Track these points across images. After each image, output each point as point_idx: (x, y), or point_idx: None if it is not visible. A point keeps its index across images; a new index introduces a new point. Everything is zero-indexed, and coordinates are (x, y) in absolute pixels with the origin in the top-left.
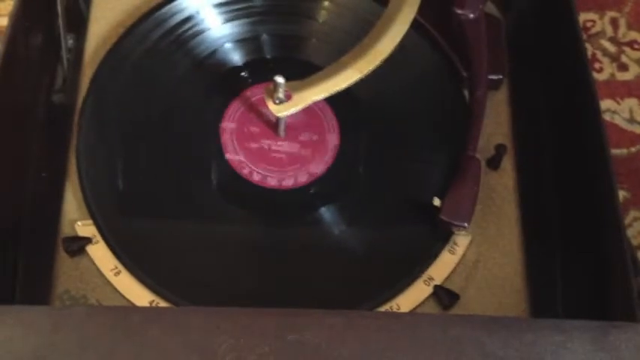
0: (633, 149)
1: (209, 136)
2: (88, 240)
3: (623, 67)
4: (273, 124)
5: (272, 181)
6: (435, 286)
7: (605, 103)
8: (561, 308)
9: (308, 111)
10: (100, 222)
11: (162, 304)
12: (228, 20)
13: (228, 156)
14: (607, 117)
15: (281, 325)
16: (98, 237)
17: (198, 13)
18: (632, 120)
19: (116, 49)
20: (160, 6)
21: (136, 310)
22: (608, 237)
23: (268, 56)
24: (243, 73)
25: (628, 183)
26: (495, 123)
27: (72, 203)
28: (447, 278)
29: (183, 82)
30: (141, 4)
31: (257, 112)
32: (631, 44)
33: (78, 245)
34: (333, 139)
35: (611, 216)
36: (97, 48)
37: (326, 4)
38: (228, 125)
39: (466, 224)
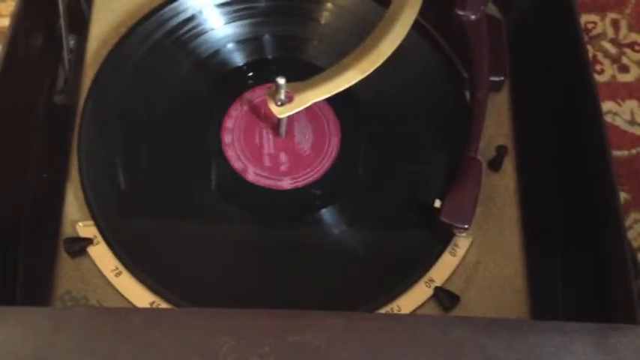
0: (634, 151)
1: (210, 137)
2: (89, 241)
3: (624, 69)
4: (274, 125)
5: (273, 182)
6: (436, 288)
7: (606, 105)
8: (562, 310)
9: (309, 111)
10: (100, 223)
11: (163, 305)
12: (229, 21)
13: (229, 156)
14: (608, 119)
15: (282, 326)
16: (99, 238)
17: (199, 13)
18: (632, 122)
19: (118, 49)
20: (161, 6)
21: (137, 312)
22: (608, 239)
23: (270, 57)
24: (244, 74)
25: (629, 185)
26: (496, 124)
27: (73, 204)
28: (448, 280)
29: (185, 82)
30: (142, 5)
31: (258, 112)
32: (632, 46)
33: (79, 246)
34: (333, 140)
35: (611, 218)
36: (98, 48)
37: (328, 5)
38: (230, 126)
39: (467, 226)
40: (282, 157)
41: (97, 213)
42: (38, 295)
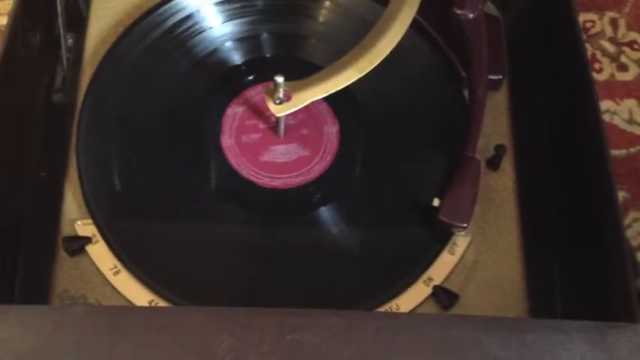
0: (632, 150)
1: (208, 136)
2: (87, 239)
3: (623, 68)
4: (272, 124)
5: (271, 181)
6: (435, 287)
7: (605, 104)
8: (560, 309)
9: (307, 110)
10: (99, 221)
11: (162, 303)
12: (227, 19)
13: (227, 155)
14: (606, 118)
15: (281, 325)
16: (98, 236)
17: (197, 12)
18: (631, 121)
19: (116, 48)
20: (159, 5)
21: (135, 310)
22: (607, 238)
23: (268, 55)
24: (242, 73)
25: (627, 184)
26: (495, 123)
27: (71, 202)
28: (447, 278)
29: (183, 81)
30: (140, 4)
31: (256, 111)
32: (630, 44)
33: (78, 245)
34: (332, 139)
35: (610, 217)
36: (96, 47)
37: (326, 3)
38: (228, 124)
39: (465, 225)
40: (281, 156)
41: (95, 211)
42: (37, 294)
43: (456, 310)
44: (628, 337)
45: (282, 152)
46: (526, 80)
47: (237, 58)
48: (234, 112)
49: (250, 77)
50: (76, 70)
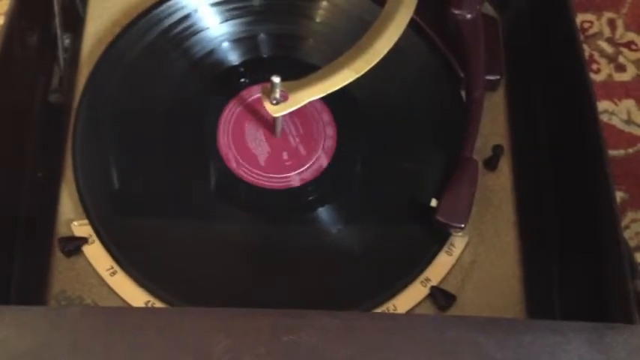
0: (631, 150)
1: (205, 136)
2: (84, 240)
3: (621, 68)
4: (269, 124)
5: (269, 181)
6: (432, 287)
7: (603, 104)
8: (558, 309)
9: (305, 111)
10: (95, 222)
11: (158, 304)
12: (225, 20)
13: (224, 156)
14: (604, 118)
15: (277, 325)
16: (94, 237)
17: (194, 12)
18: (629, 121)
19: (113, 48)
20: (156, 5)
21: (132, 311)
22: (605, 238)
23: (265, 56)
24: (240, 73)
25: (625, 184)
26: (492, 124)
27: (68, 203)
28: (444, 279)
29: (180, 81)
30: (137, 4)
31: (254, 111)
32: (628, 45)
33: (74, 245)
34: (329, 139)
35: (608, 217)
36: (93, 47)
37: (323, 4)
38: (225, 125)
39: (463, 225)
40: (278, 156)
41: (91, 212)
42: (33, 295)
43: (453, 310)
44: (626, 338)
45: (279, 152)
46: (524, 81)
47: (234, 58)
48: (232, 112)
49: (247, 78)
50: (73, 70)
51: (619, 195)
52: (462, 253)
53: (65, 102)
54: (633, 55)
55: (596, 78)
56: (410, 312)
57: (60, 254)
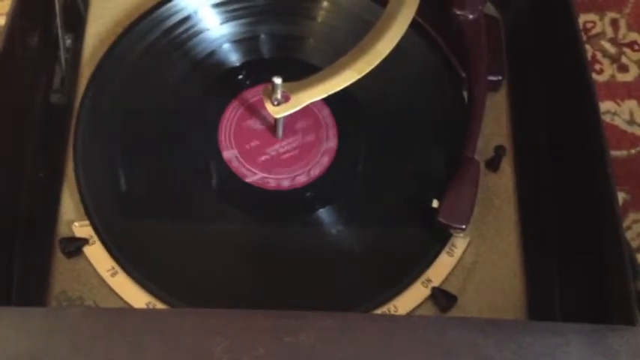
0: (633, 151)
1: (207, 137)
2: (84, 241)
3: (624, 69)
4: (271, 125)
5: (270, 182)
6: (433, 288)
7: (605, 105)
8: (559, 311)
9: (306, 112)
10: (96, 223)
11: (159, 305)
12: (226, 20)
13: (226, 157)
14: (607, 118)
15: (276, 327)
16: (95, 238)
17: (196, 13)
18: (632, 121)
19: (114, 49)
20: (157, 6)
21: (132, 312)
22: (606, 239)
23: (266, 57)
24: (241, 74)
25: (628, 185)
26: (494, 124)
27: (69, 204)
28: (445, 280)
29: (182, 82)
30: (139, 4)
31: (255, 112)
32: (631, 45)
33: (75, 246)
34: (331, 140)
35: (610, 218)
36: (94, 48)
37: (325, 4)
38: (226, 126)
39: (464, 226)
40: (279, 157)
41: (92, 213)
42: (34, 296)
43: (454, 311)
44: (627, 339)
45: (280, 153)
46: (526, 81)
47: (235, 59)
48: (233, 113)
49: (249, 78)
50: (75, 71)
51: (621, 196)
52: (464, 253)
53: (66, 102)
54: (636, 56)
55: (599, 78)
56: (411, 313)
57: (61, 255)
